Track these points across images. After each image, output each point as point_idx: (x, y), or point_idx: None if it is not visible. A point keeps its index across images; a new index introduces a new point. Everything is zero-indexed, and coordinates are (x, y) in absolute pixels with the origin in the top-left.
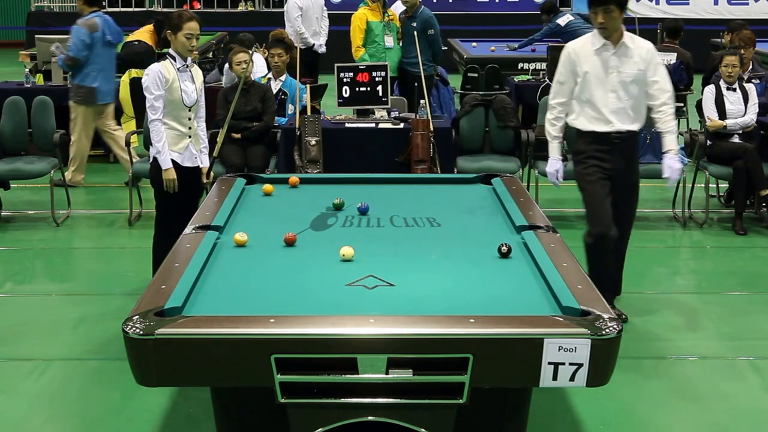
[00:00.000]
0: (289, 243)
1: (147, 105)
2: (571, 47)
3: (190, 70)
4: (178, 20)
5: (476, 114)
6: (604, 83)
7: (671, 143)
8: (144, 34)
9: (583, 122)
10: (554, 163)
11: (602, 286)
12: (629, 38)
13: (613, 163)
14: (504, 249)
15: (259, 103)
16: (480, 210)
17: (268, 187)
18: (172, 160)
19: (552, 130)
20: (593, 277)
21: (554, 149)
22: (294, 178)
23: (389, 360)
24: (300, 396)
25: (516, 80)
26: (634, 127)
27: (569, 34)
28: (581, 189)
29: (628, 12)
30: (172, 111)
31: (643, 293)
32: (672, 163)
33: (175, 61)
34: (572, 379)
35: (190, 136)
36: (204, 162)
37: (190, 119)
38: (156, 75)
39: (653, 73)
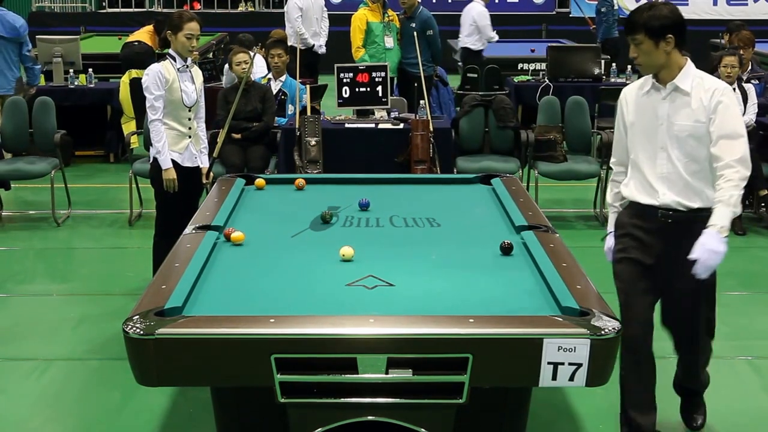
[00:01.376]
0: (229, 238)
1: (147, 105)
2: (624, 91)
3: (190, 71)
4: (178, 20)
5: (476, 114)
6: (651, 138)
7: (718, 217)
8: (144, 34)
9: (629, 189)
10: (608, 239)
11: (629, 401)
12: (687, 77)
13: (660, 250)
14: (506, 245)
15: (259, 103)
16: (479, 210)
17: (260, 181)
18: (173, 160)
19: (608, 196)
20: (621, 387)
21: (610, 221)
22: (300, 180)
23: (389, 360)
24: (300, 396)
25: (515, 81)
26: (695, 203)
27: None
28: (614, 275)
29: (621, 9)
30: (172, 111)
31: None
32: (707, 241)
33: (175, 61)
34: (572, 378)
35: (190, 137)
36: (204, 162)
37: (190, 119)
38: (156, 75)
39: (719, 125)
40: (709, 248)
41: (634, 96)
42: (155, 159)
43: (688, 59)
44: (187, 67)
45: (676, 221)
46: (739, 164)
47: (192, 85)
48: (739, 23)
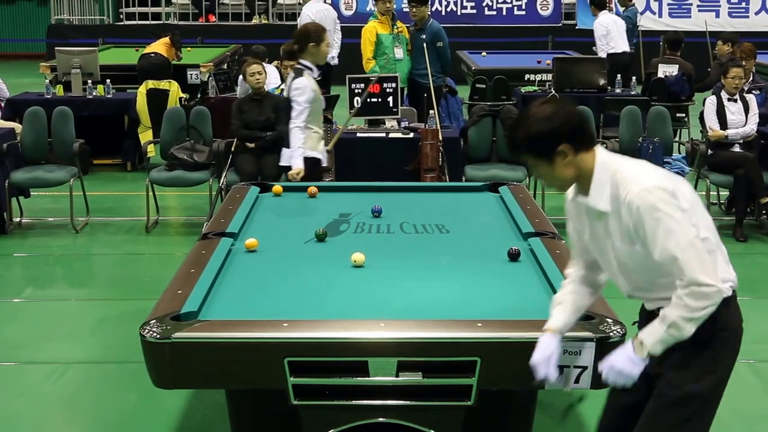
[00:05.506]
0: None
1: (295, 112)
2: (567, 194)
3: (316, 79)
4: (322, 32)
5: (484, 124)
6: (602, 253)
7: (646, 332)
8: (160, 46)
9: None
10: (544, 344)
11: None
12: (601, 190)
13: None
14: (514, 251)
15: (272, 113)
16: (487, 217)
17: (277, 188)
18: (317, 159)
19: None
20: None
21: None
22: (313, 188)
23: (399, 363)
24: (312, 398)
25: (522, 91)
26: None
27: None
28: None
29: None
30: (317, 117)
31: None
32: (617, 358)
33: (312, 71)
34: (577, 381)
35: (321, 138)
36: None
37: (323, 121)
38: (309, 88)
39: (653, 249)
40: (616, 367)
41: (571, 204)
42: (307, 159)
43: (598, 154)
44: (319, 76)
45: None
46: (690, 286)
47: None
48: (731, 34)
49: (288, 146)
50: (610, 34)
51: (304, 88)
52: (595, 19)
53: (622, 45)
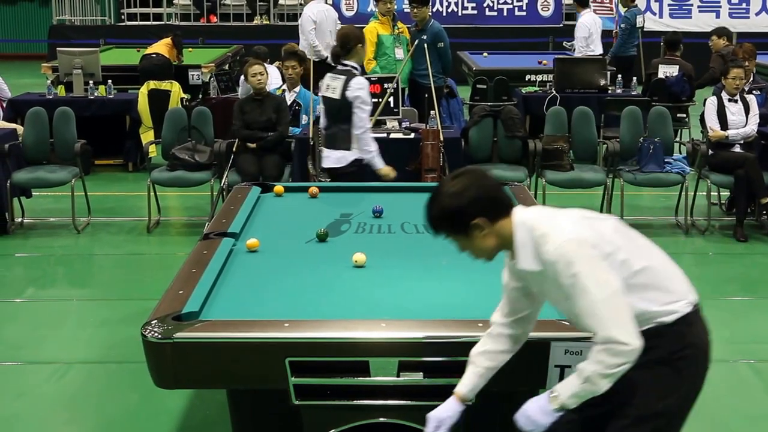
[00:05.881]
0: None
1: (363, 115)
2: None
3: None
4: (360, 33)
5: (485, 124)
6: (549, 300)
7: (561, 385)
8: (162, 47)
9: None
10: (444, 407)
11: None
12: (525, 249)
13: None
14: None
15: (273, 113)
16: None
17: (279, 188)
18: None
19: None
20: None
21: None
22: (314, 188)
23: (400, 363)
24: (313, 398)
25: (523, 91)
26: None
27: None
28: None
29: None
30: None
31: None
32: (531, 407)
33: (358, 71)
34: None
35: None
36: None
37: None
38: (368, 88)
39: (575, 304)
40: (528, 415)
41: (509, 264)
42: (358, 160)
43: (515, 215)
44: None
45: None
46: (606, 343)
47: None
48: (724, 29)
49: (347, 148)
50: (591, 36)
51: (362, 85)
52: (579, 18)
53: (599, 48)
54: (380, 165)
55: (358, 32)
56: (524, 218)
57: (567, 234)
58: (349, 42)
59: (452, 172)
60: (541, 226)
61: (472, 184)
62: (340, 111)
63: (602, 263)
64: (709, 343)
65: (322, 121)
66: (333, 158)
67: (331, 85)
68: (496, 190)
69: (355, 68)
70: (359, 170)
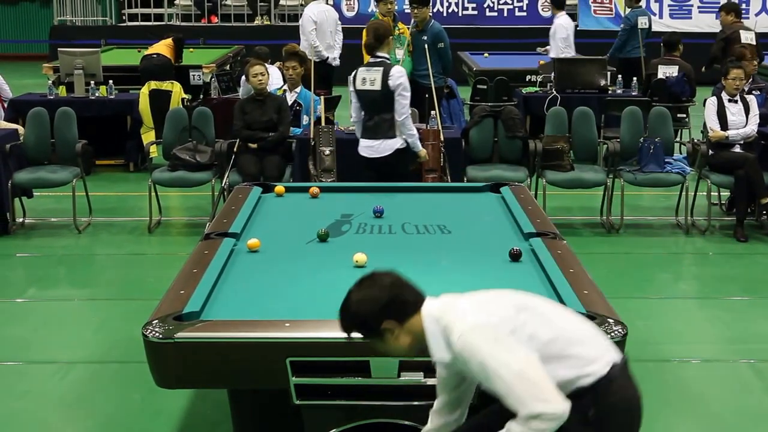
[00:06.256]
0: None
1: (404, 101)
2: None
3: None
4: (388, 30)
5: (485, 125)
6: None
7: None
8: (162, 47)
9: None
10: None
11: None
12: (436, 340)
13: None
14: (515, 251)
15: (274, 114)
16: (489, 218)
17: (279, 188)
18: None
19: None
20: None
21: None
22: (315, 188)
23: (400, 363)
24: (314, 398)
25: (524, 92)
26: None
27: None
28: None
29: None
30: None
31: (647, 298)
32: None
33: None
34: None
35: None
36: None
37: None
38: (406, 75)
39: (484, 379)
40: None
41: None
42: (400, 149)
43: (425, 308)
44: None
45: None
46: (528, 420)
47: None
48: (733, 4)
49: (392, 136)
50: (568, 39)
51: (403, 74)
52: (556, 20)
53: (573, 50)
54: (421, 146)
55: (387, 25)
56: (431, 310)
57: (468, 322)
58: (382, 34)
59: (360, 277)
60: (446, 316)
61: (375, 291)
62: (383, 101)
63: (507, 342)
64: (637, 397)
65: (358, 115)
66: (374, 148)
67: (368, 77)
68: (401, 289)
69: (387, 59)
70: (398, 158)
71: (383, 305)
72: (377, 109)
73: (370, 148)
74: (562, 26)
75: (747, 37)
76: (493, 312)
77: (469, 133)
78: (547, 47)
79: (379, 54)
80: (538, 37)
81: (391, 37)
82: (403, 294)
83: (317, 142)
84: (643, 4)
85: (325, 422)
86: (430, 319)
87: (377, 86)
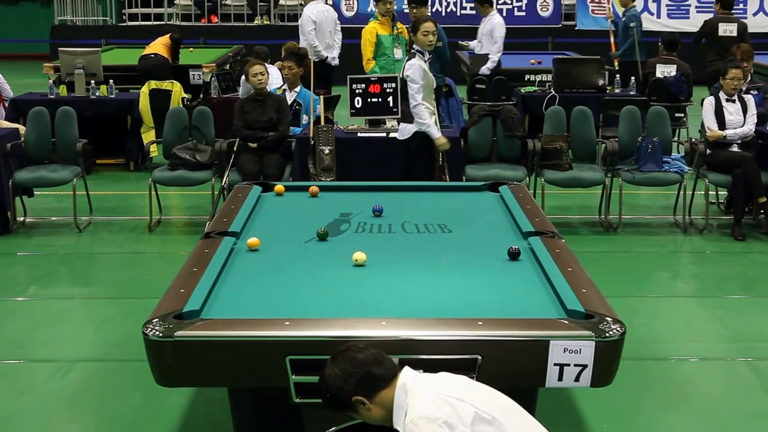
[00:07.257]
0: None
1: (413, 90)
2: None
3: (429, 62)
4: (417, 23)
5: (484, 124)
6: None
7: None
8: (159, 46)
9: None
10: None
11: None
12: (398, 414)
13: None
14: (514, 250)
15: (274, 113)
16: (488, 217)
17: (279, 187)
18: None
19: None
20: None
21: None
22: (314, 188)
23: (400, 361)
24: (314, 396)
25: (522, 91)
26: None
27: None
28: None
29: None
30: (429, 94)
31: (646, 296)
32: None
33: (423, 55)
34: (577, 379)
35: (434, 113)
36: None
37: (434, 99)
38: (419, 69)
39: None
40: None
41: None
42: (419, 133)
43: (400, 378)
44: (430, 57)
45: None
46: None
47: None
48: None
49: (410, 122)
50: (503, 38)
51: (412, 66)
52: (492, 18)
53: (501, 51)
54: (437, 135)
55: (413, 22)
56: (407, 382)
57: (420, 411)
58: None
59: (336, 351)
60: (410, 395)
61: (349, 365)
62: (403, 89)
63: None
64: None
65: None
66: (399, 131)
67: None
68: (374, 366)
69: (421, 52)
70: (419, 142)
71: (354, 383)
72: (403, 96)
73: (401, 131)
74: (500, 24)
75: (726, 30)
76: (445, 410)
77: (467, 132)
78: (471, 42)
79: (415, 46)
80: (537, 36)
81: (412, 33)
82: (375, 370)
83: (317, 142)
84: (640, 4)
85: (325, 421)
86: (401, 389)
87: (401, 76)
